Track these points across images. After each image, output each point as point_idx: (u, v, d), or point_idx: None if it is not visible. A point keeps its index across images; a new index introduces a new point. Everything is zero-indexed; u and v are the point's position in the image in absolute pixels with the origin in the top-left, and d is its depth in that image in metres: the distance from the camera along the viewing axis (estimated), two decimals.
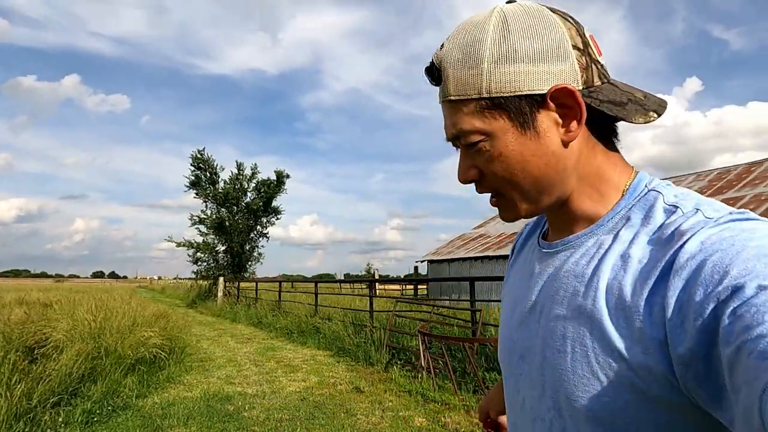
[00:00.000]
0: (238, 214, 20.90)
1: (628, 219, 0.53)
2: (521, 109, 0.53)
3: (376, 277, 24.23)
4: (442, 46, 0.58)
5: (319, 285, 11.48)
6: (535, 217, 0.72)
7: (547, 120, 0.54)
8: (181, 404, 4.52)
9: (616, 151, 0.59)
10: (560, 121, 0.54)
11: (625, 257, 0.50)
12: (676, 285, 0.43)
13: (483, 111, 0.54)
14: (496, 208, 0.61)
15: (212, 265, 20.64)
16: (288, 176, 21.59)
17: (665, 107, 0.55)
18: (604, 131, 0.57)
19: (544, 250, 0.62)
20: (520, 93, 0.53)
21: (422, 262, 21.15)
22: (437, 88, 0.59)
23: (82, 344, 5.05)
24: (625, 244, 0.51)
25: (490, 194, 0.60)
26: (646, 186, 0.56)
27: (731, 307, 0.38)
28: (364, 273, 49.25)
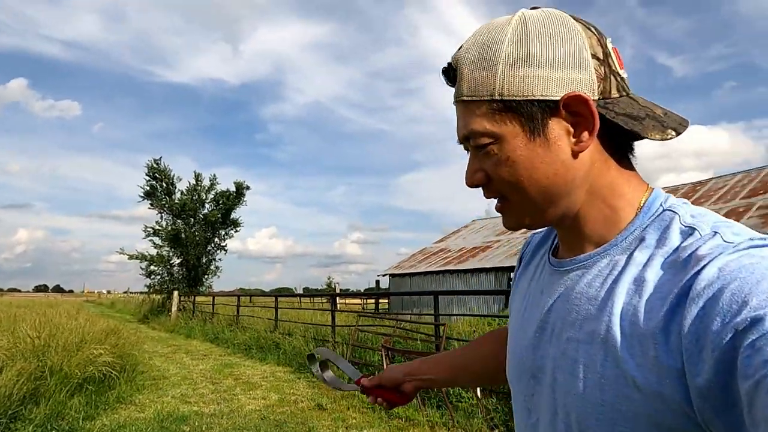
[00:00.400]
0: (195, 225, 20.28)
1: (643, 239, 0.51)
2: (533, 114, 0.52)
3: (337, 290, 24.01)
4: (461, 47, 0.57)
5: (279, 299, 11.24)
6: (544, 229, 0.71)
7: (558, 128, 0.52)
8: (132, 426, 4.29)
9: (632, 167, 0.57)
10: (572, 130, 0.52)
11: (639, 281, 0.49)
12: (692, 313, 0.42)
13: (494, 113, 0.53)
14: (500, 213, 0.60)
15: (166, 278, 19.87)
16: (248, 188, 21.19)
17: (686, 126, 0.53)
18: (620, 145, 0.56)
19: (555, 268, 0.60)
20: (532, 98, 0.52)
21: (384, 275, 21.15)
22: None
23: (24, 363, 4.71)
24: (639, 266, 0.50)
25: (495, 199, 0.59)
26: (661, 204, 0.53)
27: (750, 339, 0.37)
28: (324, 287, 48.82)
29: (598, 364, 0.49)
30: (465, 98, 0.55)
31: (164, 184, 20.18)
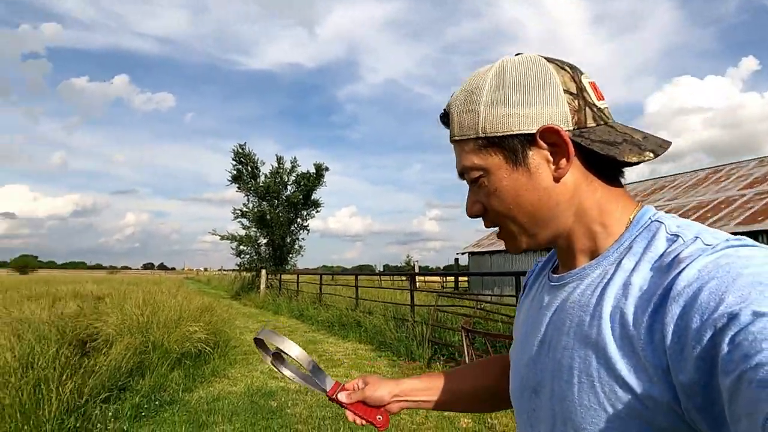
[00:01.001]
0: (278, 207, 21.17)
1: (630, 248, 0.55)
2: (513, 146, 0.58)
3: (416, 268, 24.08)
4: (452, 95, 0.65)
5: (359, 278, 11.45)
6: (548, 254, 0.76)
7: (538, 157, 0.58)
8: (225, 399, 4.55)
9: (620, 188, 0.61)
10: (550, 158, 0.57)
11: (626, 285, 0.51)
12: (673, 312, 0.44)
13: (480, 149, 0.60)
14: (502, 240, 0.65)
15: (255, 257, 21.04)
16: (327, 169, 21.70)
17: (666, 147, 0.57)
18: (605, 169, 0.59)
19: (552, 283, 0.64)
20: (511, 132, 0.57)
21: (463, 253, 20.85)
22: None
23: (131, 338, 5.16)
24: (627, 272, 0.52)
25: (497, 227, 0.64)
26: (650, 218, 0.57)
27: (729, 335, 0.38)
28: (403, 264, 49.26)
29: (592, 368, 0.51)
30: (456, 138, 0.62)
31: (249, 168, 21.18)
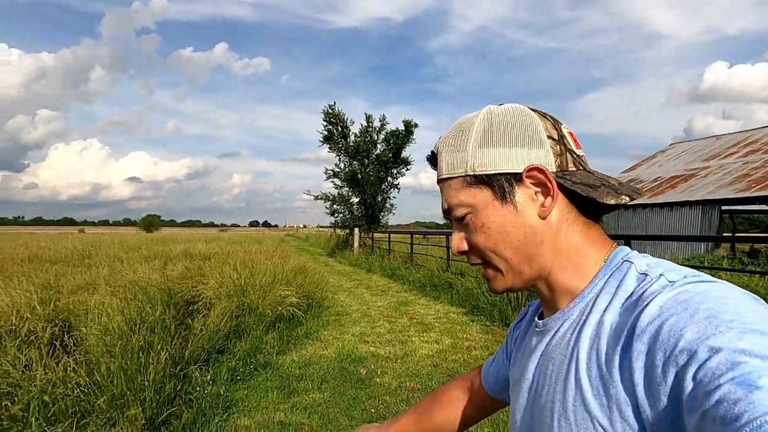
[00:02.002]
0: (369, 166, 21.25)
1: (604, 288, 0.57)
2: (501, 184, 0.61)
3: None
4: (441, 137, 0.68)
5: (450, 238, 11.17)
6: (534, 306, 0.77)
7: (525, 196, 0.61)
8: (316, 364, 4.60)
9: (599, 230, 0.64)
10: (536, 197, 0.61)
11: (599, 325, 0.54)
12: (639, 349, 0.46)
13: (469, 186, 0.62)
14: (487, 279, 0.66)
15: (347, 216, 21.49)
16: (416, 125, 21.24)
17: (639, 194, 0.63)
18: (585, 210, 0.63)
19: (537, 329, 0.66)
20: (499, 171, 0.61)
21: None
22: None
23: (228, 301, 5.37)
24: (600, 312, 0.55)
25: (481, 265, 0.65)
26: (622, 258, 0.59)
27: (690, 373, 0.40)
28: None
29: (569, 410, 0.54)
30: (444, 176, 0.65)
31: (339, 128, 21.33)
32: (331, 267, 14.77)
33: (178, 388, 3.49)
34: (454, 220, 0.66)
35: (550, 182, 0.59)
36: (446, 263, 10.28)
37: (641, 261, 0.57)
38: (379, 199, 21.53)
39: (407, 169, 21.76)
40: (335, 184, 21.54)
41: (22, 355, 3.16)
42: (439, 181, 0.66)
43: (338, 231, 22.83)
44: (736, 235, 11.71)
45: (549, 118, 0.64)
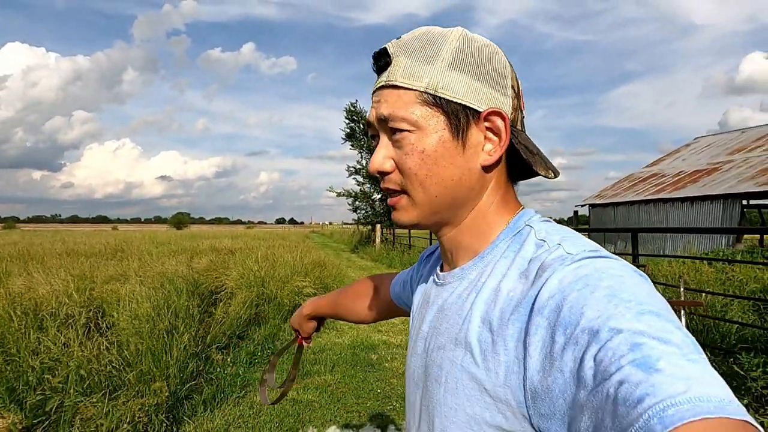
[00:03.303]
0: None
1: (503, 252, 0.56)
2: (458, 116, 0.56)
3: None
4: (399, 38, 0.60)
5: None
6: (432, 247, 0.80)
7: (476, 137, 0.57)
8: (330, 350, 4.85)
9: (514, 192, 0.63)
10: (484, 142, 0.57)
11: (496, 290, 0.53)
12: (538, 323, 0.46)
13: (423, 104, 0.56)
14: (392, 207, 0.61)
15: (369, 212, 21.77)
16: None
17: (558, 174, 0.60)
18: (516, 169, 0.62)
19: (437, 281, 0.66)
20: (461, 101, 0.55)
21: (583, 205, 19.50)
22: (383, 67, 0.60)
23: (249, 291, 5.68)
24: (498, 277, 0.54)
25: (389, 194, 0.61)
26: (524, 222, 0.58)
27: (591, 353, 0.39)
28: None
29: (456, 370, 0.54)
30: (398, 83, 0.56)
31: (361, 125, 21.60)
32: (353, 262, 15.05)
33: (200, 368, 3.80)
34: (383, 132, 0.59)
35: (506, 132, 0.55)
36: None
37: (540, 226, 0.56)
38: None
39: None
40: (357, 181, 21.85)
41: (62, 335, 3.50)
42: (385, 86, 0.58)
43: (360, 227, 23.13)
44: (738, 227, 11.42)
45: (512, 68, 0.60)
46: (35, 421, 2.88)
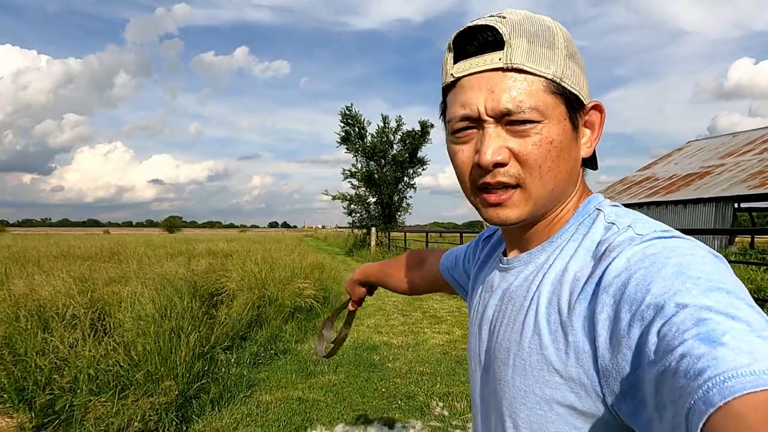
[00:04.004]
0: (385, 166, 21.54)
1: (572, 236, 0.56)
2: (575, 106, 0.56)
3: None
4: (503, 16, 0.55)
5: (464, 235, 11.38)
6: (491, 229, 0.79)
7: (582, 129, 0.58)
8: None
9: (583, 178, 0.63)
10: (586, 134, 0.59)
11: (564, 272, 0.53)
12: (604, 301, 0.46)
13: (550, 92, 0.53)
14: (499, 203, 0.56)
15: (365, 216, 21.81)
16: (432, 126, 21.48)
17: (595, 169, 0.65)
18: (591, 160, 0.62)
19: (502, 266, 0.65)
20: (578, 93, 0.55)
21: None
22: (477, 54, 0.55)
23: (250, 293, 5.70)
24: (566, 259, 0.54)
25: (499, 187, 0.56)
26: (594, 206, 0.58)
27: (655, 327, 0.39)
28: None
29: (525, 352, 0.54)
30: (527, 68, 0.53)
31: (356, 129, 21.67)
32: (348, 265, 15.07)
33: (206, 368, 3.81)
34: (507, 123, 0.53)
35: (601, 125, 0.58)
36: None
37: (610, 210, 0.56)
38: (396, 198, 21.81)
39: (423, 169, 22.02)
40: (352, 184, 21.90)
41: (69, 336, 3.51)
42: (502, 69, 0.53)
43: (355, 231, 23.15)
44: (731, 228, 11.59)
45: None
46: (45, 420, 2.90)
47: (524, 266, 0.60)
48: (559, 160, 0.54)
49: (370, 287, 1.22)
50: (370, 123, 21.90)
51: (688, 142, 19.99)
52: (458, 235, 12.08)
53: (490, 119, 0.53)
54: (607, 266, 0.47)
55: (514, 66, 0.52)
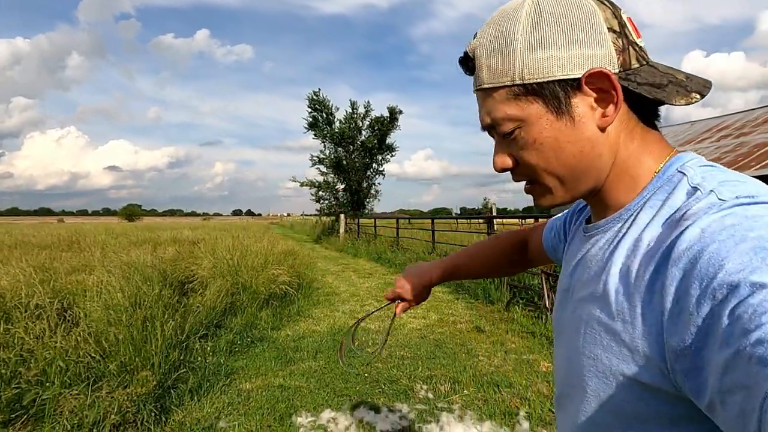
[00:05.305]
0: (354, 152, 21.38)
1: (648, 202, 0.53)
2: (555, 94, 0.53)
3: (494, 211, 23.62)
4: (476, 35, 0.58)
5: (435, 221, 11.44)
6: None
7: (583, 105, 0.53)
8: (310, 337, 4.82)
9: (656, 132, 0.58)
10: (596, 105, 0.53)
11: (637, 241, 0.51)
12: (673, 275, 0.43)
13: (517, 97, 0.54)
14: (530, 195, 0.61)
15: (333, 202, 21.64)
16: (401, 112, 21.41)
17: (709, 88, 0.53)
18: (646, 113, 0.56)
19: (584, 233, 0.64)
20: (553, 78, 0.52)
21: None
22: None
23: (223, 281, 5.55)
24: (641, 228, 0.52)
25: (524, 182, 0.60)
26: (677, 168, 0.53)
27: (729, 307, 0.37)
28: (480, 207, 48.63)
29: (595, 321, 0.53)
30: (486, 86, 0.56)
31: (324, 115, 21.38)
32: (317, 252, 14.95)
33: (182, 358, 3.69)
34: (497, 135, 0.59)
35: (615, 88, 0.51)
36: (431, 246, 10.56)
37: (696, 171, 0.52)
38: (365, 185, 21.71)
39: (392, 156, 21.96)
40: (320, 171, 21.65)
41: (33, 326, 3.32)
42: (477, 90, 0.58)
43: (324, 218, 22.97)
44: None
45: (608, 3, 0.54)
46: (12, 416, 2.73)
47: (602, 234, 0.58)
48: (555, 153, 0.54)
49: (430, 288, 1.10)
50: (338, 109, 21.66)
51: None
52: (429, 221, 12.13)
53: (490, 132, 0.60)
54: (679, 236, 0.44)
55: (481, 87, 0.57)
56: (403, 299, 1.06)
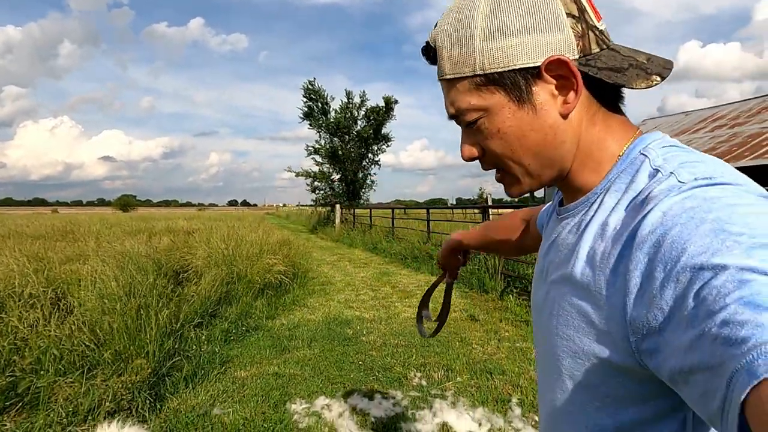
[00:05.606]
0: (350, 142, 21.31)
1: (613, 185, 0.54)
2: (516, 83, 0.53)
3: (489, 203, 23.66)
4: (436, 24, 0.58)
5: (431, 211, 11.45)
6: None
7: (544, 92, 0.53)
8: (305, 326, 4.84)
9: (620, 115, 0.58)
10: (557, 92, 0.53)
11: (603, 225, 0.52)
12: (638, 258, 0.45)
13: (479, 87, 0.55)
14: (501, 183, 0.62)
15: (329, 193, 21.61)
16: (396, 102, 21.31)
17: (670, 69, 0.53)
18: (608, 97, 0.57)
19: (557, 216, 0.64)
20: (513, 67, 0.53)
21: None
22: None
23: (218, 270, 5.55)
24: (606, 211, 0.53)
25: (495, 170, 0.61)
26: (639, 150, 0.54)
27: (693, 290, 0.38)
28: (476, 197, 48.72)
29: (566, 302, 0.55)
30: (448, 77, 0.57)
31: (319, 104, 21.28)
32: (313, 242, 14.95)
33: (176, 346, 3.70)
34: (462, 124, 0.59)
35: (574, 75, 0.51)
36: (426, 236, 10.58)
37: (658, 153, 0.52)
38: (360, 175, 21.68)
39: (388, 146, 21.91)
40: (316, 161, 21.60)
41: (27, 315, 3.32)
42: (441, 80, 0.59)
43: (319, 208, 22.95)
44: None
45: None
46: (7, 404, 2.74)
47: (572, 217, 0.59)
48: (518, 141, 0.55)
49: (465, 254, 1.16)
50: (333, 98, 21.57)
51: (644, 121, 20.69)
52: (425, 211, 12.14)
53: (456, 122, 0.60)
54: (642, 220, 0.46)
55: (443, 77, 0.58)
56: (445, 271, 1.16)
